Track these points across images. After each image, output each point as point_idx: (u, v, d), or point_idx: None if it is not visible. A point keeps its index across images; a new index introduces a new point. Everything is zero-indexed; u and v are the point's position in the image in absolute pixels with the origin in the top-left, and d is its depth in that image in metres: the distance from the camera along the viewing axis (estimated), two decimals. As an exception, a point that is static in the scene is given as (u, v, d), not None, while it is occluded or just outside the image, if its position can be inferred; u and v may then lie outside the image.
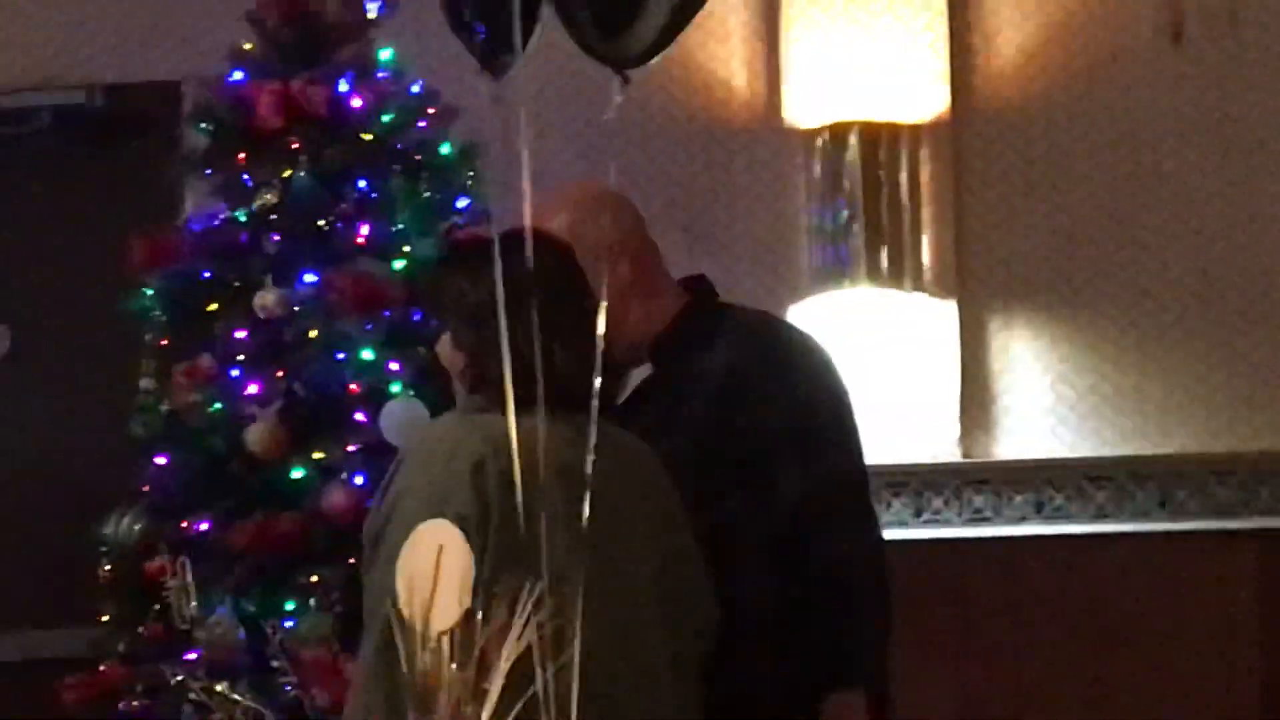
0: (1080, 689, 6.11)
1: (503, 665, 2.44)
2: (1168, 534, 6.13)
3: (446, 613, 2.46)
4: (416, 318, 5.53)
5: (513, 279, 3.41)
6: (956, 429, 6.25)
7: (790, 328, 4.81)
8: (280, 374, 5.61)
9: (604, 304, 3.33)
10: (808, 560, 4.08)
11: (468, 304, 3.83)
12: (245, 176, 5.62)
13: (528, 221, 3.60)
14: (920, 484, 6.22)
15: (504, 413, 3.44)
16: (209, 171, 5.80)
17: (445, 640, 2.46)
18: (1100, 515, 6.19)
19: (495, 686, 2.42)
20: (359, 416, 5.46)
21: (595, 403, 3.04)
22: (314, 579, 5.54)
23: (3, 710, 6.25)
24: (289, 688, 5.49)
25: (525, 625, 2.46)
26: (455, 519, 3.73)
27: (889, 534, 5.55)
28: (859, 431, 4.37)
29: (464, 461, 3.80)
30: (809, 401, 4.21)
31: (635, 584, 3.74)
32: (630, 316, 4.05)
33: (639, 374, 4.24)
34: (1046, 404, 6.32)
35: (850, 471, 4.26)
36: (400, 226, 5.62)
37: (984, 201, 6.36)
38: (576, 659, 2.53)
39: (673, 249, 5.38)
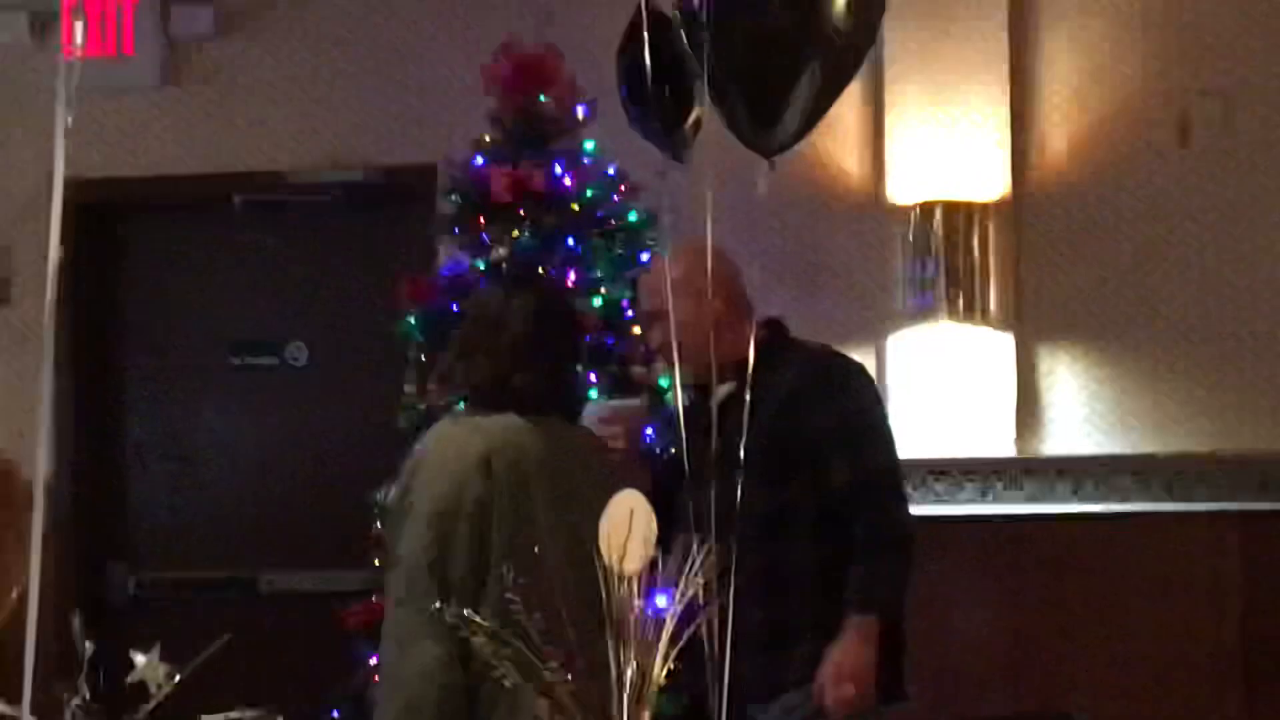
0: (1103, 632, 6.51)
1: (678, 605, 3.01)
2: (1174, 514, 6.59)
3: (635, 559, 3.06)
4: (609, 342, 6.03)
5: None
6: (1013, 431, 6.72)
7: (842, 356, 5.23)
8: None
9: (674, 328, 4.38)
10: (850, 530, 4.70)
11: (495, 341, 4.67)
12: (484, 236, 6.15)
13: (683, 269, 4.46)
14: (987, 472, 6.70)
15: (518, 412, 4.53)
16: (456, 231, 6.34)
17: (634, 579, 3.03)
18: (1123, 498, 6.65)
19: (670, 619, 3.01)
20: None
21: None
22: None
23: (306, 626, 6.67)
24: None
25: (689, 575, 3.01)
26: (474, 503, 4.44)
27: (963, 509, 6.55)
28: (892, 434, 5.03)
29: (472, 455, 4.52)
30: (855, 412, 4.90)
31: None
32: (721, 341, 4.43)
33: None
34: (1082, 414, 6.76)
35: (886, 464, 4.92)
36: (598, 274, 6.13)
37: (1036, 260, 6.79)
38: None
39: (801, 294, 6.42)
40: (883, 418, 5.05)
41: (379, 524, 5.69)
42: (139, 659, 1.69)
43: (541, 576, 3.77)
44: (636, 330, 5.92)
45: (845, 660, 4.58)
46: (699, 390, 4.88)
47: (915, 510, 6.34)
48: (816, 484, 4.63)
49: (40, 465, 1.69)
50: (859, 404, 4.90)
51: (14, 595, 1.63)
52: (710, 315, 4.53)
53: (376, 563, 5.76)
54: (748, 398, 3.93)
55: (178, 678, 1.58)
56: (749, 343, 4.19)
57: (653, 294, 5.04)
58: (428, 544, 4.39)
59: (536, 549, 4.14)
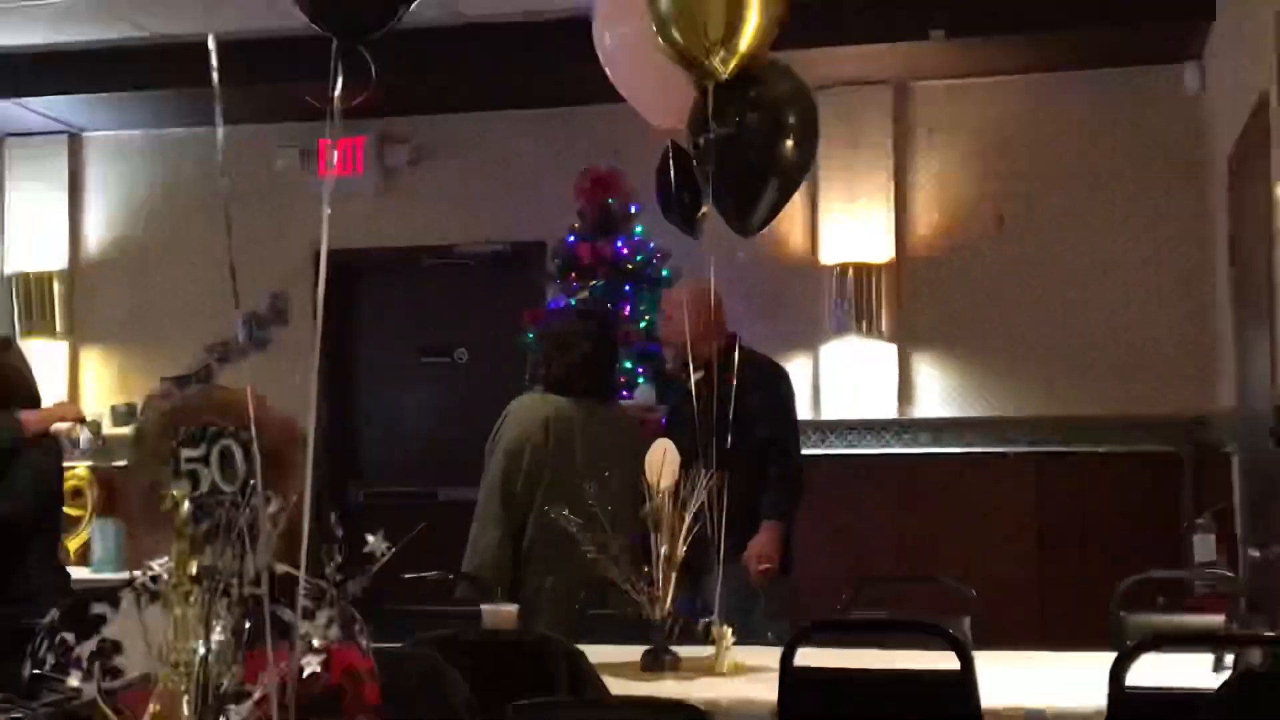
0: (953, 522, 6.38)
1: (691, 510, 3.41)
2: (996, 453, 6.45)
3: (668, 477, 3.43)
4: (653, 349, 5.87)
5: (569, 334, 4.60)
6: (895, 402, 6.57)
7: (770, 360, 5.07)
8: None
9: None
10: (766, 470, 4.65)
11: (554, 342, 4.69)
12: (574, 284, 6.12)
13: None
14: (879, 428, 6.57)
15: (567, 395, 4.49)
16: (558, 281, 6.27)
17: (667, 493, 3.41)
18: (966, 445, 6.51)
19: (689, 516, 3.41)
20: (624, 394, 5.78)
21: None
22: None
23: (465, 521, 6.36)
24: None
25: (695, 492, 3.42)
26: (532, 448, 4.40)
27: (866, 451, 6.47)
28: (795, 414, 5.00)
29: (541, 419, 4.48)
30: (775, 397, 4.82)
31: (623, 484, 4.09)
32: (705, 344, 4.51)
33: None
34: (938, 392, 6.61)
35: (790, 433, 4.87)
36: (642, 309, 6.03)
37: (911, 299, 6.57)
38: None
39: (767, 319, 6.21)
40: (791, 402, 5.00)
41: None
42: (369, 538, 1.73)
43: (577, 497, 3.86)
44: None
45: (763, 547, 4.60)
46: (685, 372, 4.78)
47: (837, 451, 6.53)
48: (749, 439, 4.47)
49: (310, 423, 1.74)
50: (779, 392, 4.86)
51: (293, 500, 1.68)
52: (705, 329, 4.61)
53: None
54: (715, 379, 4.02)
55: (392, 549, 1.62)
56: (714, 345, 4.40)
57: (670, 310, 5.00)
58: (502, 468, 4.41)
59: (576, 481, 4.13)
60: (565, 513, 3.64)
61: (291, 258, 6.90)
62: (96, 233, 7.52)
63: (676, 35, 3.41)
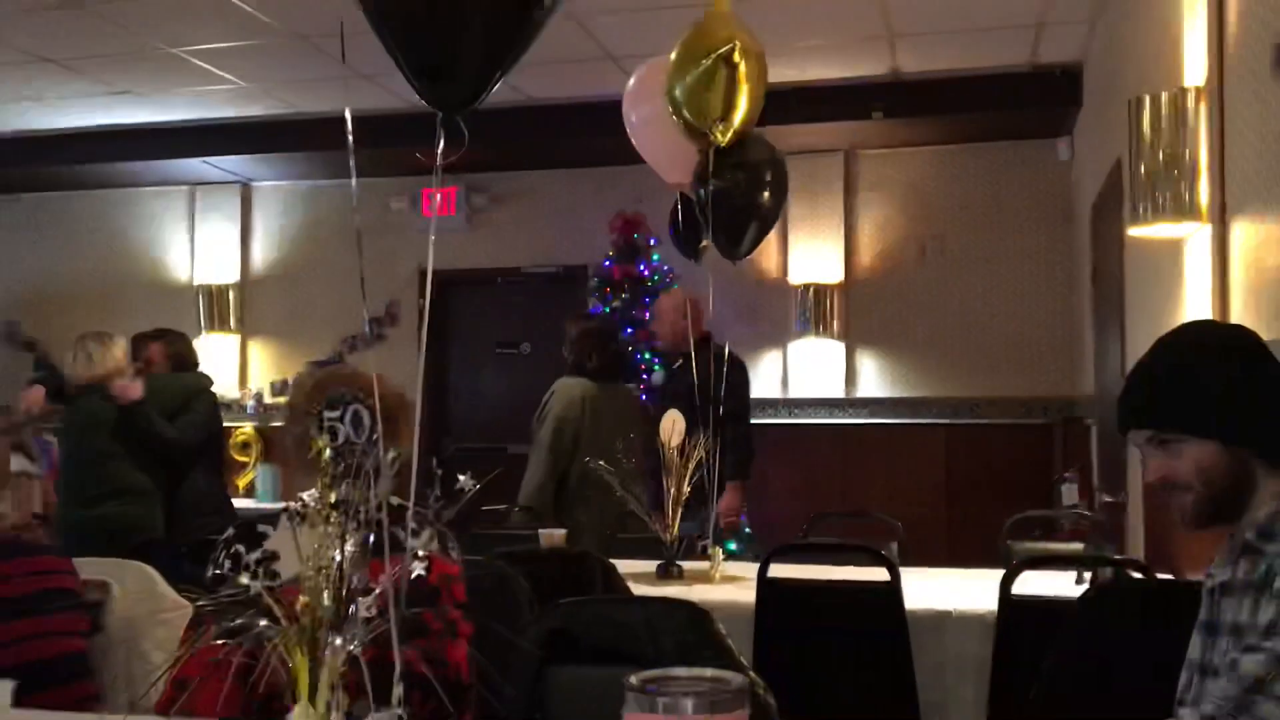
0: (886, 475, 6.31)
1: (692, 463, 3.41)
2: (915, 424, 6.42)
3: (677, 436, 3.49)
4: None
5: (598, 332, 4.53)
6: (844, 384, 6.50)
7: (733, 355, 4.51)
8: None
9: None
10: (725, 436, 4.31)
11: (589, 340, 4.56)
12: (609, 295, 6.08)
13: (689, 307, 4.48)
14: (831, 405, 6.49)
15: (594, 379, 4.41)
16: (595, 294, 6.18)
17: (674, 448, 3.46)
18: (896, 417, 6.45)
19: (691, 465, 3.42)
20: (644, 375, 5.86)
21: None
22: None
23: None
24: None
25: (695, 448, 3.47)
26: (574, 419, 4.33)
27: (819, 421, 6.39)
28: (750, 396, 4.83)
29: (578, 396, 4.39)
30: (737, 383, 4.59)
31: (634, 442, 4.25)
32: (683, 336, 4.53)
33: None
34: (875, 379, 6.53)
35: (746, 411, 4.76)
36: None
37: (857, 311, 6.51)
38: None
39: (749, 323, 6.22)
40: (746, 387, 4.86)
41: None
42: (460, 478, 1.72)
43: (606, 452, 3.88)
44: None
45: (728, 504, 4.52)
46: (670, 359, 4.90)
47: (800, 421, 6.51)
48: (721, 413, 4.45)
49: (417, 395, 1.74)
50: (736, 378, 4.63)
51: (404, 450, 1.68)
52: (684, 326, 4.60)
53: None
54: (693, 366, 3.94)
55: (477, 486, 1.62)
56: (694, 338, 4.34)
57: (659, 313, 4.98)
58: (552, 430, 4.35)
59: (604, 440, 4.18)
60: (601, 463, 3.66)
61: (401, 276, 6.91)
62: (260, 256, 7.53)
63: (687, 114, 3.41)
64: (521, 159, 6.87)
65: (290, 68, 5.69)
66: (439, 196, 6.76)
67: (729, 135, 3.34)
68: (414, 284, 6.92)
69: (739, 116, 3.31)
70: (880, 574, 2.79)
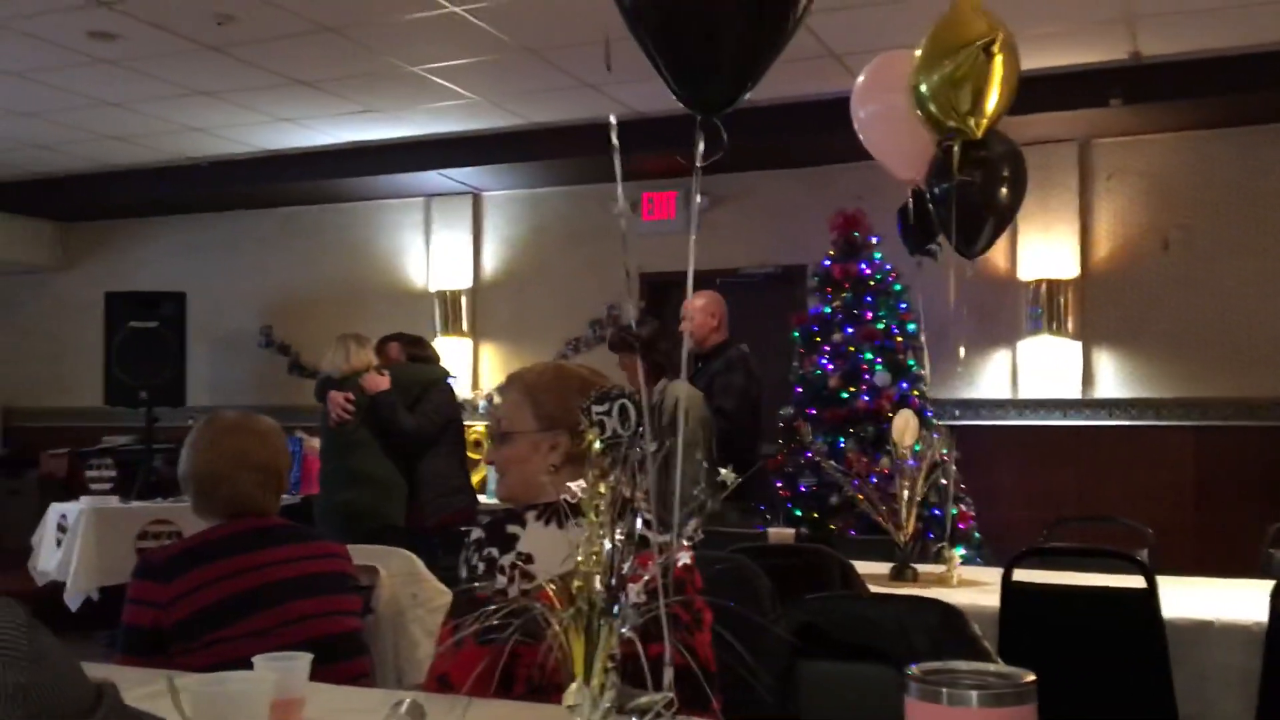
0: (1105, 499, 5.81)
1: (926, 463, 3.33)
2: (1156, 426, 6.11)
3: (908, 438, 3.36)
4: (888, 344, 5.73)
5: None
6: (1079, 385, 6.20)
7: (741, 354, 4.94)
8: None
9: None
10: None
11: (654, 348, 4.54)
12: (829, 294, 5.93)
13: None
14: (1065, 405, 6.19)
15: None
16: (815, 294, 6.08)
17: (906, 448, 3.33)
18: (1133, 418, 6.14)
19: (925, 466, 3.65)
20: (866, 375, 5.72)
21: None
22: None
23: None
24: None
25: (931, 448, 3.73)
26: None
27: (1050, 422, 6.13)
28: (745, 390, 4.85)
29: (697, 396, 4.39)
30: (732, 378, 4.81)
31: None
32: (713, 336, 4.78)
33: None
34: (1116, 380, 6.20)
35: (728, 401, 4.75)
36: (882, 313, 5.78)
37: (1095, 305, 6.24)
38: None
39: (973, 320, 5.98)
40: (741, 382, 4.88)
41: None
42: (721, 470, 1.71)
43: None
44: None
45: None
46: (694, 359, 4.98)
47: (1030, 423, 6.30)
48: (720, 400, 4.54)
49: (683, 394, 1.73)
50: (735, 374, 4.86)
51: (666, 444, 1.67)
52: (708, 325, 4.82)
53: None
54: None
55: (740, 479, 1.59)
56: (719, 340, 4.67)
57: (690, 313, 4.99)
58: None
59: None
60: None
61: (620, 280, 6.97)
62: (490, 262, 7.77)
63: (933, 108, 3.34)
64: (740, 160, 6.85)
65: (520, 80, 5.92)
66: (699, 198, 6.79)
67: (984, 125, 3.27)
68: (635, 287, 6.98)
69: (992, 108, 3.24)
70: (1133, 580, 2.67)
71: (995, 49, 3.08)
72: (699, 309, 4.96)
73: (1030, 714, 1.05)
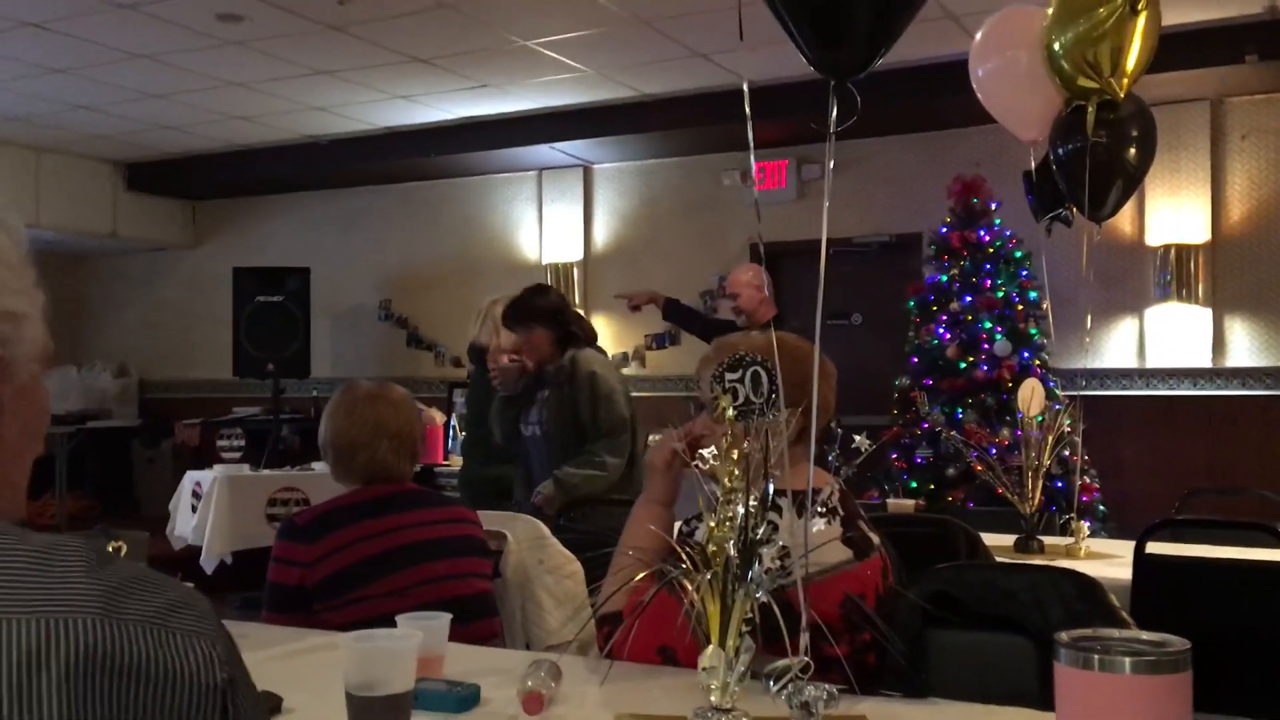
0: (1236, 470, 5.72)
1: (1052, 435, 3.30)
2: None
3: (1034, 408, 3.31)
4: (1008, 312, 5.61)
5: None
6: (1210, 354, 6.00)
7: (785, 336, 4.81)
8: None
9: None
10: None
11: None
12: (945, 263, 5.85)
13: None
14: (1195, 374, 6.01)
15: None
16: (932, 261, 5.97)
17: (1032, 418, 3.37)
18: (1269, 387, 5.89)
19: (1052, 437, 3.63)
20: (985, 345, 5.70)
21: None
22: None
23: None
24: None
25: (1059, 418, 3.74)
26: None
27: (1179, 392, 5.95)
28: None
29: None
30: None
31: None
32: (763, 309, 4.69)
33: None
34: (1249, 348, 6.00)
35: None
36: (1000, 280, 5.71)
37: (1227, 271, 6.02)
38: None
39: (1099, 287, 5.89)
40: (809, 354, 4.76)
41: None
42: (855, 438, 1.67)
43: None
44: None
45: None
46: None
47: (1157, 392, 6.10)
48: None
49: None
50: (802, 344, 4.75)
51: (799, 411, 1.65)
52: (759, 297, 4.78)
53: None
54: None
55: (873, 446, 1.57)
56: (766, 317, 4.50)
57: (737, 286, 5.00)
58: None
59: None
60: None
61: (731, 250, 7.05)
62: (601, 235, 7.81)
63: (1066, 65, 3.22)
64: (853, 127, 6.66)
65: (631, 51, 5.93)
66: (832, 164, 7.00)
67: (1125, 83, 3.17)
68: (744, 257, 6.97)
69: (1132, 67, 3.14)
70: (1271, 554, 2.61)
71: (1141, 4, 2.98)
72: (746, 283, 4.93)
73: (1184, 683, 1.04)
